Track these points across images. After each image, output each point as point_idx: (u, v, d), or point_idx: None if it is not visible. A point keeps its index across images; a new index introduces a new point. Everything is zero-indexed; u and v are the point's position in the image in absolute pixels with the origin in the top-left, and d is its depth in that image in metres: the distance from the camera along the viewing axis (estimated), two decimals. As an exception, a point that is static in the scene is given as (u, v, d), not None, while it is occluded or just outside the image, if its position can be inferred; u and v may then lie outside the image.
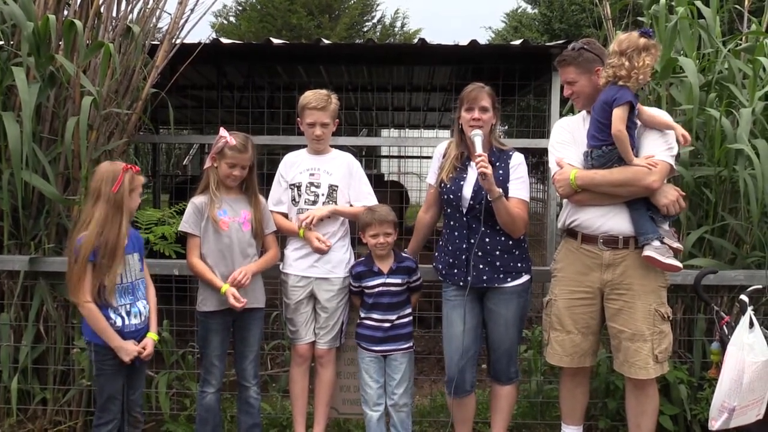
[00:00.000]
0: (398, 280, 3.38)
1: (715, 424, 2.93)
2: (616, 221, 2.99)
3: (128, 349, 2.95)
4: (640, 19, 4.27)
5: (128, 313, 2.99)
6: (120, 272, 2.97)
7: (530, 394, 3.95)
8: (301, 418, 3.54)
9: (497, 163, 3.20)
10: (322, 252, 3.37)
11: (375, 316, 3.37)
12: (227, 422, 3.78)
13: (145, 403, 3.69)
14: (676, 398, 3.50)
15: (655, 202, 2.92)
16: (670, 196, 2.91)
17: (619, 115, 2.85)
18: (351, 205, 3.49)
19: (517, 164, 3.25)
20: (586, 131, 3.05)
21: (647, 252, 2.90)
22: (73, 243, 2.91)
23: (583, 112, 3.16)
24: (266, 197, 3.51)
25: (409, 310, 3.44)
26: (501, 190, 3.09)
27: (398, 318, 3.38)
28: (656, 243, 2.89)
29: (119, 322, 2.96)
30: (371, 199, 3.51)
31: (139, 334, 3.04)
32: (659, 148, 2.95)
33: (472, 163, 3.16)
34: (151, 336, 3.09)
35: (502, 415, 3.40)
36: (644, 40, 2.87)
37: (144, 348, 3.02)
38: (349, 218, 3.53)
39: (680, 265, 2.95)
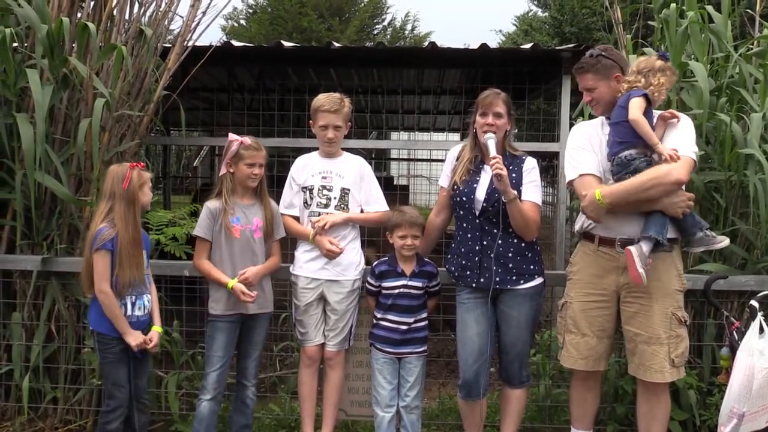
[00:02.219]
0: (418, 284, 3.39)
1: (724, 429, 2.92)
2: (633, 224, 2.97)
3: (136, 336, 3.10)
4: (650, 23, 4.27)
5: (133, 305, 3.13)
6: (144, 264, 3.17)
7: (538, 398, 3.95)
8: (309, 419, 3.55)
9: (511, 167, 3.21)
10: (333, 256, 3.38)
11: (392, 317, 3.38)
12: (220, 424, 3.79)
13: (155, 403, 3.72)
14: (685, 403, 3.49)
15: (670, 215, 2.90)
16: (681, 203, 2.89)
17: (635, 103, 2.89)
18: (362, 209, 3.50)
19: (530, 168, 3.27)
20: (605, 137, 3.04)
21: (631, 247, 2.88)
22: (92, 235, 3.05)
23: (601, 117, 3.15)
24: (275, 200, 3.53)
25: (425, 314, 3.45)
26: (516, 192, 3.10)
27: (415, 321, 3.39)
28: (645, 246, 2.86)
29: (122, 311, 3.09)
30: (382, 204, 3.53)
31: (142, 326, 3.17)
32: (682, 144, 2.93)
33: (486, 167, 3.18)
34: (156, 329, 3.23)
35: (512, 418, 3.40)
36: (661, 62, 2.97)
37: (150, 339, 3.16)
38: (361, 224, 3.55)
39: (644, 280, 2.86)
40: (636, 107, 2.89)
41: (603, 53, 3.08)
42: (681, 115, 3.05)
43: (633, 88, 2.95)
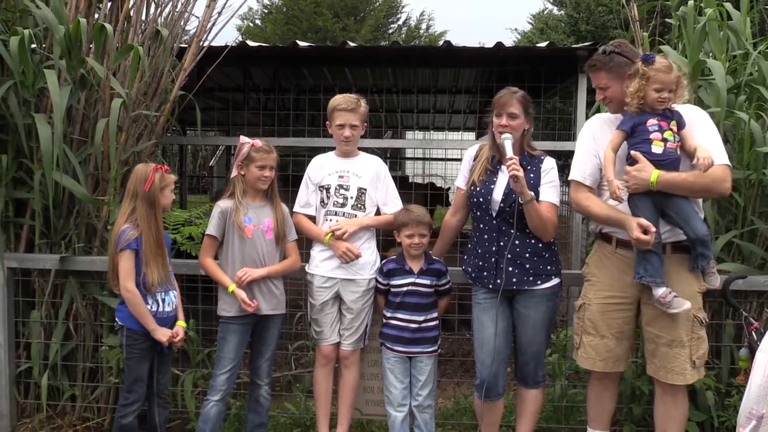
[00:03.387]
0: (427, 281, 3.39)
1: (742, 431, 2.89)
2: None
3: (164, 332, 3.19)
4: (668, 20, 4.23)
5: (163, 301, 3.22)
6: (168, 264, 3.25)
7: (554, 398, 3.93)
8: (324, 418, 3.55)
9: (528, 167, 3.19)
10: (347, 260, 3.39)
11: (401, 316, 3.38)
12: (228, 422, 3.81)
13: (171, 401, 3.74)
14: (703, 404, 3.46)
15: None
16: (634, 239, 2.83)
17: (610, 138, 2.94)
18: (378, 210, 3.51)
19: (549, 169, 3.24)
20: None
21: (655, 304, 2.92)
22: (116, 235, 3.14)
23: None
24: (291, 199, 3.53)
25: (435, 314, 3.44)
26: (533, 193, 3.08)
27: (425, 320, 3.38)
28: (660, 291, 2.85)
29: (154, 308, 3.19)
30: (398, 204, 3.53)
31: (169, 321, 3.25)
32: (719, 153, 2.86)
33: (503, 167, 3.16)
34: (181, 324, 3.31)
35: (527, 418, 3.38)
36: (639, 64, 2.85)
37: (176, 334, 3.24)
38: (375, 228, 3.56)
39: (686, 306, 2.87)
40: (608, 143, 2.94)
41: (616, 50, 3.00)
42: (699, 114, 2.97)
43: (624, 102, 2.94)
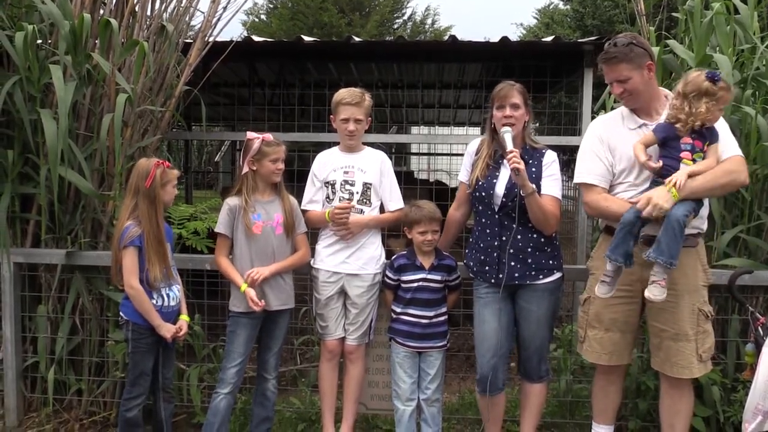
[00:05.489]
0: (438, 277, 3.39)
1: (748, 427, 2.87)
2: (654, 222, 2.92)
3: (169, 327, 3.20)
4: (674, 14, 4.21)
5: (167, 296, 3.23)
6: (170, 258, 3.26)
7: (559, 393, 3.93)
8: (329, 413, 3.56)
9: (530, 161, 3.19)
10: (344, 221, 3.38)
11: (412, 311, 3.38)
12: (234, 416, 3.82)
13: (177, 395, 3.76)
14: (709, 400, 3.45)
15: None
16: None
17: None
18: (381, 206, 3.52)
19: (550, 162, 3.23)
20: (629, 131, 2.99)
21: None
22: (120, 232, 3.14)
23: (622, 110, 3.08)
24: (296, 194, 3.54)
25: (444, 309, 3.45)
26: (534, 186, 3.07)
27: (436, 316, 3.39)
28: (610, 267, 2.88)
29: (159, 302, 3.20)
30: (399, 201, 3.53)
31: (173, 316, 3.27)
32: (731, 146, 2.88)
33: (505, 161, 3.15)
34: (184, 318, 3.33)
35: (531, 413, 3.38)
36: (708, 84, 2.77)
37: (180, 328, 3.26)
38: (381, 226, 3.57)
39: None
40: (641, 138, 2.92)
41: (633, 41, 2.94)
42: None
43: (677, 119, 2.82)
